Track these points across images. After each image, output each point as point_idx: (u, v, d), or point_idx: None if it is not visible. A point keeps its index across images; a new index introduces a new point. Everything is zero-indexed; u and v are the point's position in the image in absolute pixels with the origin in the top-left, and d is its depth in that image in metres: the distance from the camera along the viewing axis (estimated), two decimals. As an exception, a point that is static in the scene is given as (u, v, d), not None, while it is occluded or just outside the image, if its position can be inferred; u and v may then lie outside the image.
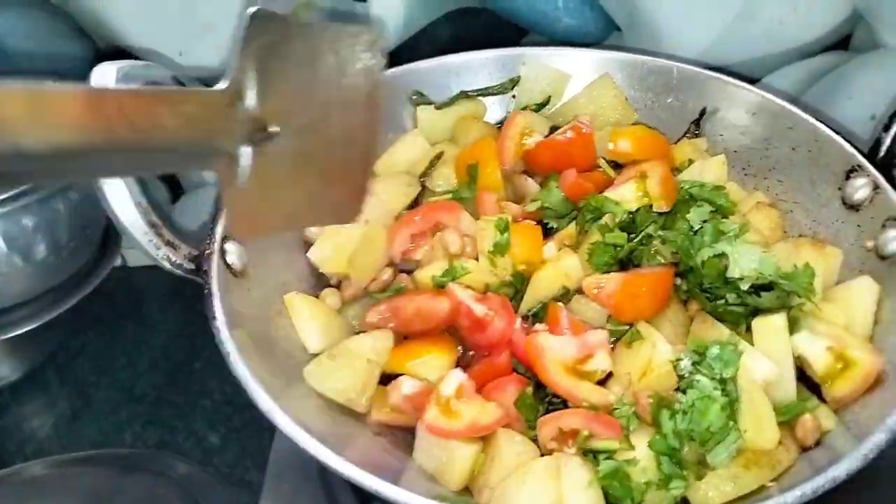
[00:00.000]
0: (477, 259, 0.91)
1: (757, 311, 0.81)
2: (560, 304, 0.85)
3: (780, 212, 1.00)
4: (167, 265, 0.82)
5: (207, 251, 0.85)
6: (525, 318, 0.87)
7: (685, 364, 0.76)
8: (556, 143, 1.01)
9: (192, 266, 0.84)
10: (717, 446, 0.71)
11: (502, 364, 0.83)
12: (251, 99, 0.58)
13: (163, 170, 0.85)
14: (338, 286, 0.97)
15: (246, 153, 0.59)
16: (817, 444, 0.76)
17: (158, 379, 1.15)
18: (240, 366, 0.75)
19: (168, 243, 0.81)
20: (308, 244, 0.98)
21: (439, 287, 0.88)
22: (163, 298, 1.28)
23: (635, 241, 0.89)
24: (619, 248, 0.88)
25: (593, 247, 0.89)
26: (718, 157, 1.03)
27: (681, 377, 0.76)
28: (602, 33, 1.19)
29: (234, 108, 0.57)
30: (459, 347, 0.88)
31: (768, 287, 0.81)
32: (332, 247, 0.96)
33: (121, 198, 0.77)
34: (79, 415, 1.11)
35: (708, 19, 1.17)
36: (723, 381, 0.73)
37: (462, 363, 0.86)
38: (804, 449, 0.76)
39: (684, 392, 0.74)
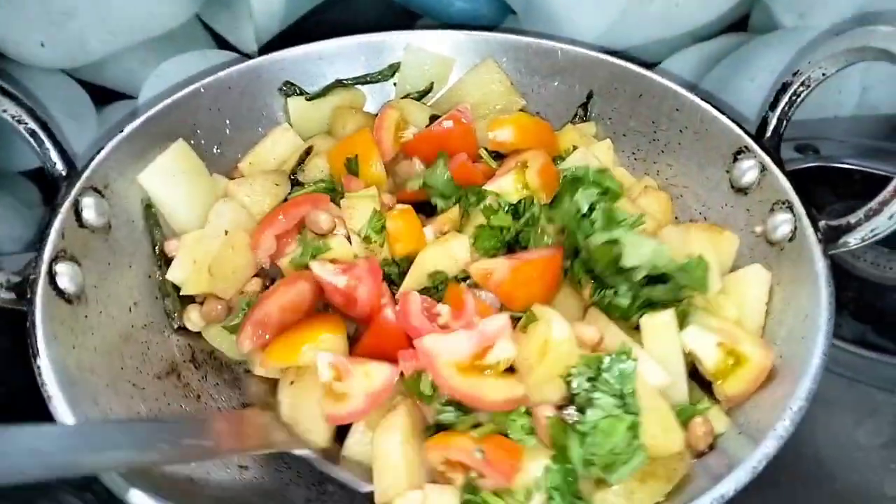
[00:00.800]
0: (349, 239, 0.84)
1: (647, 304, 0.76)
2: (463, 284, 0.79)
3: (670, 196, 0.96)
4: (-21, 296, 0.71)
5: (32, 276, 0.74)
6: (426, 295, 0.80)
7: (579, 382, 0.69)
8: (434, 134, 0.95)
9: (11, 295, 0.73)
10: (622, 467, 0.65)
11: (385, 330, 0.76)
12: None
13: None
14: (201, 302, 0.88)
15: None
16: (710, 447, 0.71)
17: (34, 399, 1.03)
18: (62, 409, 0.65)
19: (-22, 271, 0.70)
20: (165, 257, 0.89)
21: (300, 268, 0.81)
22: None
23: (521, 222, 0.84)
24: (505, 231, 0.84)
25: (479, 230, 0.84)
26: (604, 142, 0.98)
27: (575, 395, 0.69)
28: (497, 16, 1.13)
29: None
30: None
31: (661, 279, 0.76)
32: (191, 263, 0.86)
33: None
34: None
35: (604, 2, 1.12)
36: (622, 397, 0.67)
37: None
38: (698, 454, 0.71)
39: (582, 411, 0.68)
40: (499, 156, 0.96)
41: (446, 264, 0.82)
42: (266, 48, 1.10)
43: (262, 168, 1.00)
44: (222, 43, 1.11)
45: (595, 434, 0.66)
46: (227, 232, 0.86)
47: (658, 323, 0.73)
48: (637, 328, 0.76)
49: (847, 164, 1.15)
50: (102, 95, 1.13)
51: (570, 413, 0.68)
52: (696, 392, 0.76)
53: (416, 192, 0.91)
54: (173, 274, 0.87)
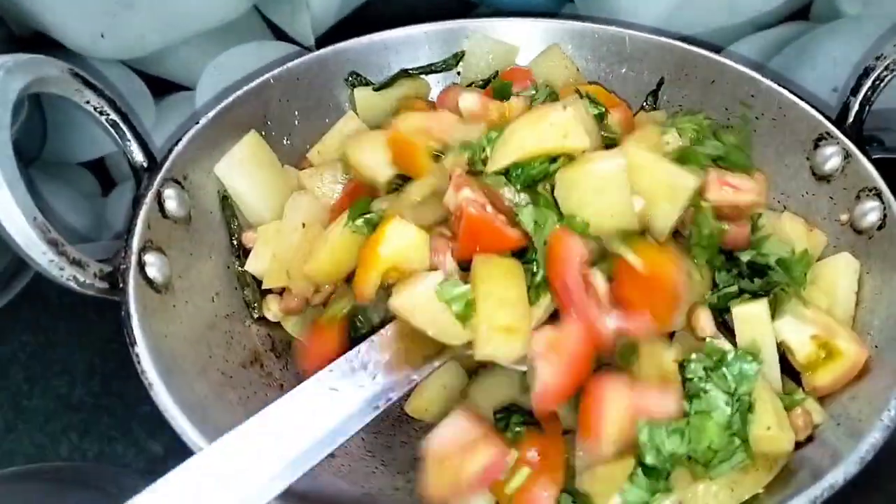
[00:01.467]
0: None
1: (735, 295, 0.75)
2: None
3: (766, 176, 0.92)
4: (75, 286, 0.72)
5: (123, 266, 0.75)
6: None
7: (695, 368, 0.67)
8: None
9: (105, 285, 0.74)
10: (721, 464, 0.64)
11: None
12: None
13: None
14: (281, 293, 0.88)
15: None
16: (809, 439, 0.70)
17: (96, 386, 1.07)
18: (164, 397, 0.66)
19: (74, 262, 0.71)
20: (243, 248, 0.89)
21: None
22: (98, 298, 1.18)
23: None
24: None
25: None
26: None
27: (687, 380, 0.68)
28: (554, 5, 1.12)
29: None
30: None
31: (759, 270, 0.75)
32: (270, 256, 0.86)
33: (10, 213, 0.66)
34: (11, 427, 1.02)
35: (664, -11, 1.11)
36: (735, 395, 0.66)
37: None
38: (796, 445, 0.70)
39: (689, 399, 0.66)
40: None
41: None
42: (322, 39, 1.10)
43: (331, 157, 1.00)
44: (279, 34, 1.11)
45: (691, 429, 0.65)
46: (304, 225, 0.87)
47: (752, 313, 0.72)
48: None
49: (914, 155, 1.12)
50: (160, 87, 1.15)
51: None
52: (789, 383, 0.75)
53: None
54: (252, 265, 0.88)
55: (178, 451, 0.94)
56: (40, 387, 1.06)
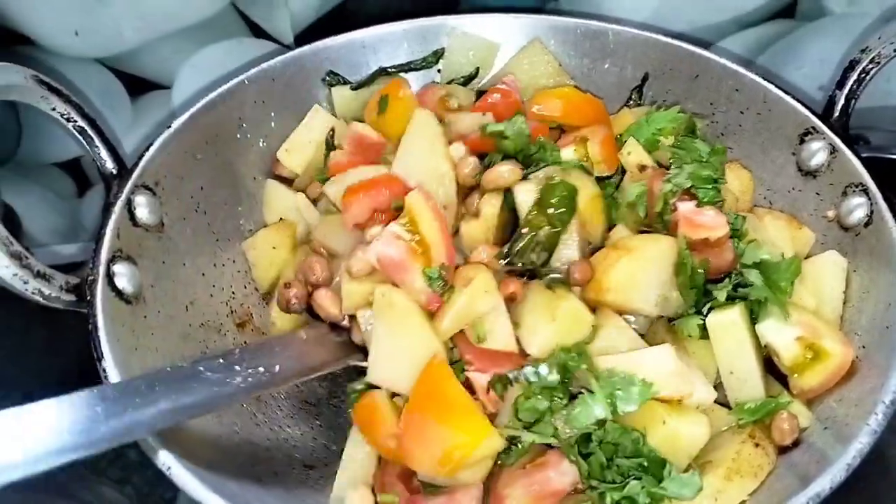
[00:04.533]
0: None
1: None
2: None
3: (752, 175, 0.92)
4: (41, 300, 0.70)
5: (91, 278, 0.73)
6: None
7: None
8: (481, 108, 0.92)
9: (72, 297, 0.72)
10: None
11: None
12: None
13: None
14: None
15: None
16: (795, 443, 0.69)
17: (72, 390, 1.04)
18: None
19: (38, 274, 0.69)
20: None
21: None
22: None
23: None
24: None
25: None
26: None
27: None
28: (538, 2, 1.10)
29: None
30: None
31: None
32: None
33: (-31, 227, 0.64)
34: None
35: (648, -14, 1.09)
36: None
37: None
38: (782, 450, 0.69)
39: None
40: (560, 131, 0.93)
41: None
42: (302, 36, 1.08)
43: (302, 153, 0.97)
44: (257, 31, 1.09)
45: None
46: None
47: (727, 320, 0.70)
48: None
49: (899, 154, 1.11)
50: (137, 85, 1.12)
51: None
52: (775, 386, 0.73)
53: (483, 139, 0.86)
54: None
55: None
56: (13, 392, 1.04)
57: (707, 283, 0.73)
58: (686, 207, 0.75)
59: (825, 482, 0.59)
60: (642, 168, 0.85)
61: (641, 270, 0.72)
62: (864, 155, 1.10)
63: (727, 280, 0.74)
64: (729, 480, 0.63)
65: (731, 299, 0.72)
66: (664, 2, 1.11)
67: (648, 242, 0.74)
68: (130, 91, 1.12)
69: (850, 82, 0.86)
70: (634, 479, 0.62)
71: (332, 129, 0.98)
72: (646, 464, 0.63)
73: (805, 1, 1.16)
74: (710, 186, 0.75)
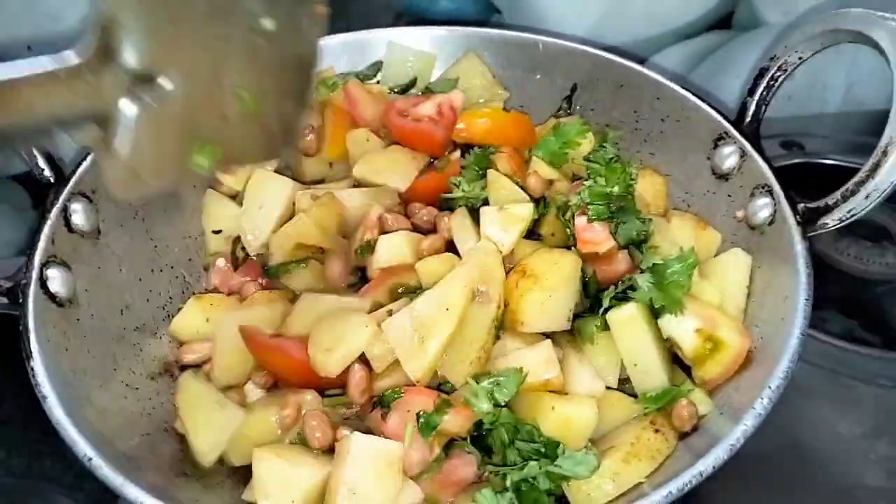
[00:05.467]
0: None
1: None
2: None
3: (665, 181, 0.96)
4: (-28, 303, 0.72)
5: (24, 281, 0.75)
6: None
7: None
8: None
9: (4, 300, 0.74)
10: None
11: None
12: (129, 54, 0.57)
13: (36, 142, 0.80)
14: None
15: (127, 111, 0.58)
16: (694, 429, 0.72)
17: (25, 401, 1.04)
18: (56, 410, 0.67)
19: (-31, 277, 0.71)
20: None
21: None
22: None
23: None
24: None
25: None
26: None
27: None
28: (481, 15, 1.14)
29: (102, 69, 0.56)
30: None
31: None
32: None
33: None
34: None
35: (587, 1, 1.13)
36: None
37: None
38: (682, 435, 0.72)
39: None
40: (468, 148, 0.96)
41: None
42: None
43: (243, 170, 0.98)
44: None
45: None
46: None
47: (625, 317, 0.74)
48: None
49: (832, 159, 1.14)
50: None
51: None
52: (679, 374, 0.77)
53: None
54: None
55: None
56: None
57: (600, 291, 0.77)
58: (579, 222, 0.78)
59: (709, 461, 0.62)
60: (550, 183, 0.89)
61: (551, 299, 0.76)
62: (798, 161, 1.15)
63: (612, 287, 0.77)
64: (627, 463, 0.67)
65: (619, 300, 0.76)
66: (604, 16, 1.16)
67: (553, 267, 0.76)
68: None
69: (760, 89, 0.90)
70: (532, 460, 0.65)
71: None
72: (542, 449, 0.66)
73: (741, 12, 1.20)
74: (601, 202, 0.79)
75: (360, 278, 0.91)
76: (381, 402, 0.72)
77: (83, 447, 0.64)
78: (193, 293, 0.94)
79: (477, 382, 0.70)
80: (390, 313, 0.77)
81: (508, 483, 0.65)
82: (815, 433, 0.90)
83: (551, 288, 0.75)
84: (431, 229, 0.90)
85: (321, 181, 1.01)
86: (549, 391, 0.71)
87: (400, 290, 0.83)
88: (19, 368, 1.06)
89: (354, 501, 0.64)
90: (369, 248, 0.88)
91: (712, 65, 1.24)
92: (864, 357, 0.93)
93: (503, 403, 0.68)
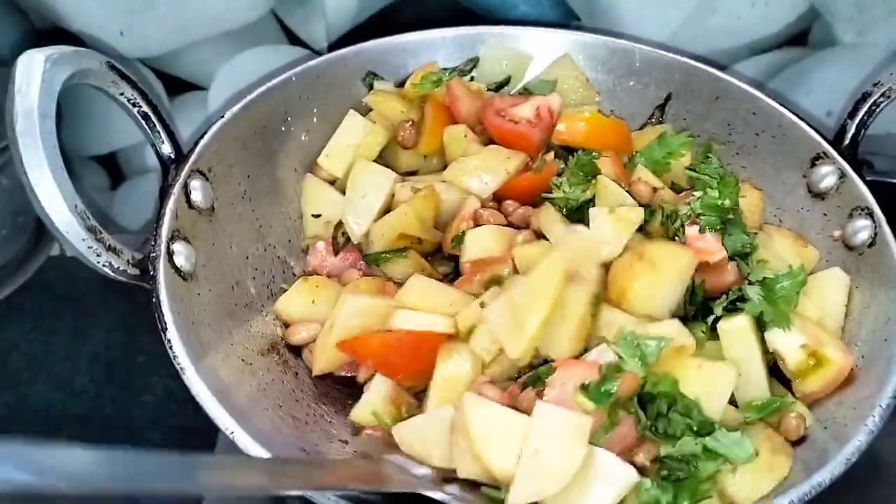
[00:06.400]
0: None
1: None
2: None
3: (762, 196, 0.97)
4: (109, 272, 0.75)
5: (153, 254, 0.78)
6: None
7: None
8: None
9: (136, 271, 0.77)
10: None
11: None
12: None
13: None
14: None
15: None
16: (799, 442, 0.75)
17: (98, 374, 1.08)
18: (195, 380, 0.70)
19: (110, 248, 0.74)
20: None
21: None
22: (102, 288, 1.17)
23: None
24: None
25: None
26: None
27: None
28: (560, 21, 1.16)
29: None
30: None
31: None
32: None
33: (54, 200, 0.70)
34: (13, 413, 1.03)
35: (667, 11, 1.15)
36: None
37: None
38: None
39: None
40: (568, 150, 0.98)
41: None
42: (335, 45, 1.13)
43: (342, 158, 1.02)
44: (293, 38, 1.14)
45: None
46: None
47: (735, 326, 0.77)
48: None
49: (903, 179, 1.18)
50: (175, 85, 1.17)
51: None
52: (778, 388, 0.79)
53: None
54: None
55: (175, 441, 1.00)
56: (43, 374, 1.07)
57: (707, 300, 0.80)
58: (691, 231, 0.81)
59: (825, 474, 0.65)
60: (654, 190, 0.91)
61: (662, 286, 0.77)
62: (868, 178, 1.17)
63: (724, 297, 0.80)
64: (776, 454, 0.70)
65: (728, 310, 0.78)
66: (683, 25, 1.17)
67: (669, 258, 0.78)
68: (168, 91, 1.17)
69: (861, 113, 0.93)
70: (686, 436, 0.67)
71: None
72: (694, 427, 0.68)
73: (817, 30, 1.21)
74: (713, 214, 0.81)
75: (453, 269, 0.94)
76: (533, 382, 0.74)
77: (225, 420, 0.67)
78: (293, 273, 0.97)
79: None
80: (483, 305, 0.80)
81: (663, 453, 0.68)
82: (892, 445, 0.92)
83: (665, 277, 0.77)
84: (526, 227, 0.93)
85: (415, 172, 1.04)
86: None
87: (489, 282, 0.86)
88: (93, 343, 1.11)
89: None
90: (463, 239, 0.90)
91: (784, 81, 1.26)
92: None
93: (650, 361, 0.69)
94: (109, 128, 1.20)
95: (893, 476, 0.90)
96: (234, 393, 0.75)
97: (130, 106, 0.86)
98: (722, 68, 1.21)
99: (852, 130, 0.93)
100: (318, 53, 1.13)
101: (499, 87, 1.11)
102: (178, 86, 1.17)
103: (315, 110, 1.04)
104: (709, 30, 1.18)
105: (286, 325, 0.90)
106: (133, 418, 1.03)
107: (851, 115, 0.93)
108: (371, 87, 1.07)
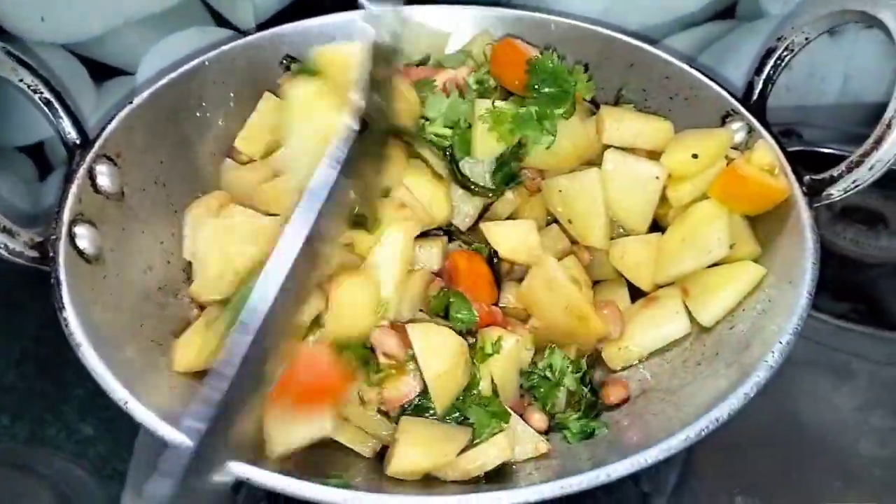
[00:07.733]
0: None
1: None
2: None
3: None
4: (5, 254, 0.74)
5: (53, 236, 0.77)
6: None
7: None
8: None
9: (35, 254, 0.76)
10: None
11: None
12: None
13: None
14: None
15: None
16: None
17: (29, 369, 1.07)
18: (90, 355, 0.69)
19: (3, 230, 0.73)
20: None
21: None
22: (33, 283, 1.17)
23: None
24: None
25: None
26: None
27: None
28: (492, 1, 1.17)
29: None
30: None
31: None
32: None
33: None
34: None
35: (597, -12, 1.16)
36: None
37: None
38: None
39: None
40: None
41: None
42: (264, 26, 1.13)
43: (259, 141, 1.01)
44: (220, 20, 1.14)
45: None
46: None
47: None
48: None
49: (829, 148, 1.19)
50: (100, 71, 1.16)
51: None
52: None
53: None
54: None
55: (108, 433, 0.98)
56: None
57: None
58: None
59: (724, 409, 0.65)
60: None
61: None
62: (796, 148, 1.19)
63: None
64: None
65: None
66: (611, 3, 1.18)
67: None
68: (94, 76, 1.16)
69: (767, 69, 0.94)
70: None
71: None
72: None
73: (744, 3, 1.23)
74: None
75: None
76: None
77: (119, 392, 0.66)
78: (212, 258, 0.96)
79: None
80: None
81: None
82: (811, 405, 0.94)
83: None
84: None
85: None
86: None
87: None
88: (24, 340, 1.09)
89: None
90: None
91: (714, 54, 1.28)
92: (859, 335, 0.98)
93: None
94: (35, 118, 1.18)
95: (815, 436, 0.91)
96: (141, 371, 0.74)
97: (31, 93, 0.85)
98: (653, 43, 1.23)
99: (759, 86, 0.94)
100: (247, 34, 1.12)
101: (418, 65, 1.11)
102: (105, 71, 1.15)
103: (232, 95, 1.03)
104: (639, 6, 1.19)
105: (201, 308, 0.88)
106: (64, 412, 1.02)
107: (758, 72, 0.94)
108: (288, 70, 1.07)
